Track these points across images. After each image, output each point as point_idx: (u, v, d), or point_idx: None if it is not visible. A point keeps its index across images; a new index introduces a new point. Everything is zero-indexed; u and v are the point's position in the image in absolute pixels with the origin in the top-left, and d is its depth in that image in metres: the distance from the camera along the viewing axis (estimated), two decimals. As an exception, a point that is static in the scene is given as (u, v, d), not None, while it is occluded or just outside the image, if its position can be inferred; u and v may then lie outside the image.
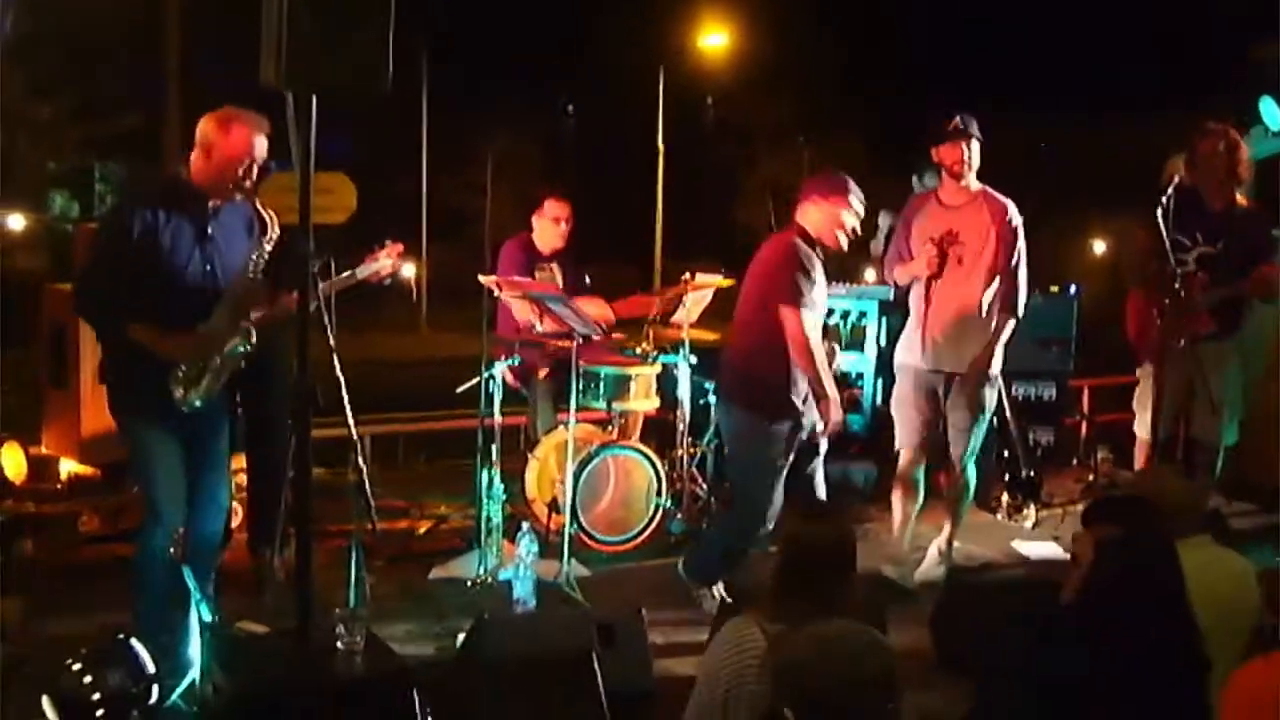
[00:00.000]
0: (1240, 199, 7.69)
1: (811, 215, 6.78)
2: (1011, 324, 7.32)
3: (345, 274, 6.75)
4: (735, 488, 7.16)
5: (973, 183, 7.33)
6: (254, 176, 5.78)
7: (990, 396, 7.40)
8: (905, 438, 7.55)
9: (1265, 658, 3.33)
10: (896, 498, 7.62)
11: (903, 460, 7.58)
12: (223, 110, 5.74)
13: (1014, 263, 7.28)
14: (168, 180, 5.85)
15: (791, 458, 6.76)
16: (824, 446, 6.93)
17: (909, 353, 7.50)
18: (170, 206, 5.69)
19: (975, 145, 7.26)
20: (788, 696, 3.09)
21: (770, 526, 6.68)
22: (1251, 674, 3.31)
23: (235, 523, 7.45)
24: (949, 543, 7.69)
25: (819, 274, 6.74)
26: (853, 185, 6.83)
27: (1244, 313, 7.72)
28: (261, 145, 5.73)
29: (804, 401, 6.75)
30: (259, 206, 5.88)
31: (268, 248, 5.85)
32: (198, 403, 5.69)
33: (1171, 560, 4.23)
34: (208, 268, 5.75)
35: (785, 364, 6.68)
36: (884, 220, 8.85)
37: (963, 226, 7.29)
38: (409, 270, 6.86)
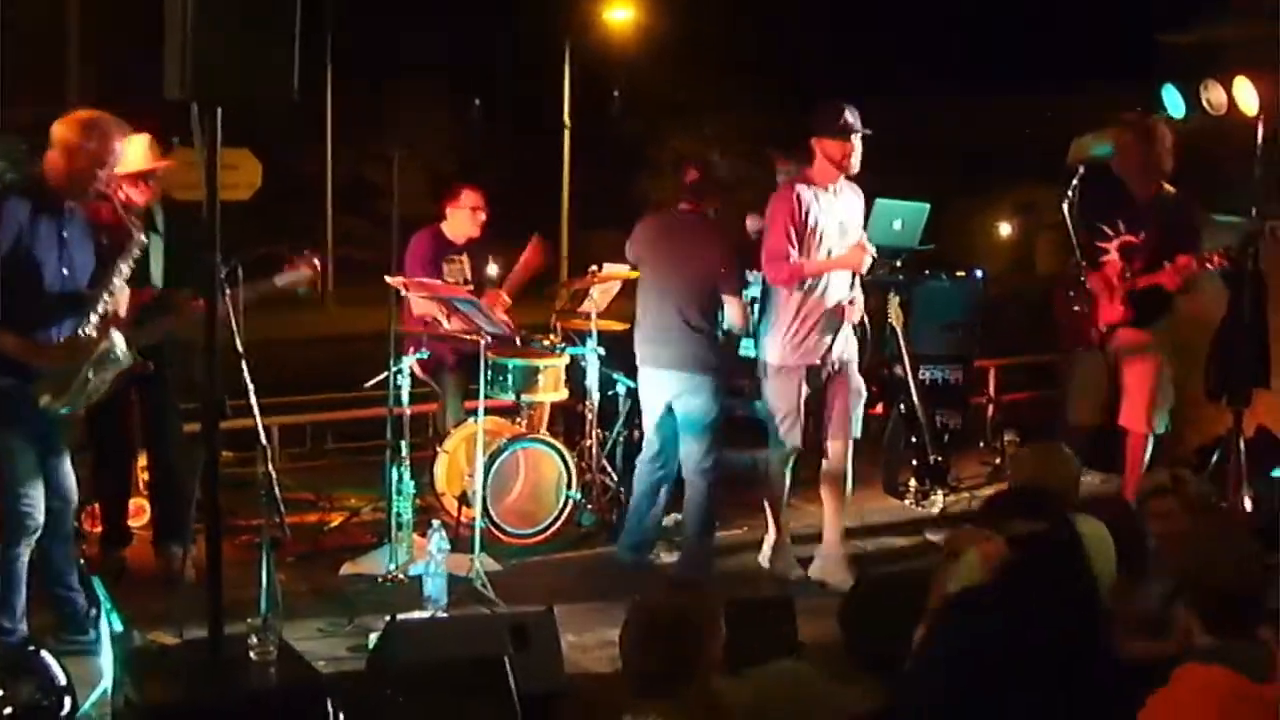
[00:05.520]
0: (1167, 187, 7.63)
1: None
2: None
3: (264, 283, 6.66)
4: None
5: None
6: (112, 183, 5.74)
7: None
8: (799, 434, 7.37)
9: (1175, 680, 3.40)
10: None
11: (791, 453, 7.43)
12: (84, 114, 5.67)
13: None
14: (31, 179, 5.70)
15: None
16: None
17: (806, 354, 7.24)
18: (36, 206, 5.60)
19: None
20: None
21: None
22: (1164, 698, 3.38)
23: (142, 521, 7.40)
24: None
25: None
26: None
27: (1169, 301, 7.62)
28: (121, 151, 5.67)
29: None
30: (121, 213, 5.80)
31: (135, 253, 5.79)
32: (63, 411, 5.63)
33: (1080, 551, 4.37)
34: (65, 271, 5.68)
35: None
36: (752, 224, 8.61)
37: (848, 216, 7.27)
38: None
